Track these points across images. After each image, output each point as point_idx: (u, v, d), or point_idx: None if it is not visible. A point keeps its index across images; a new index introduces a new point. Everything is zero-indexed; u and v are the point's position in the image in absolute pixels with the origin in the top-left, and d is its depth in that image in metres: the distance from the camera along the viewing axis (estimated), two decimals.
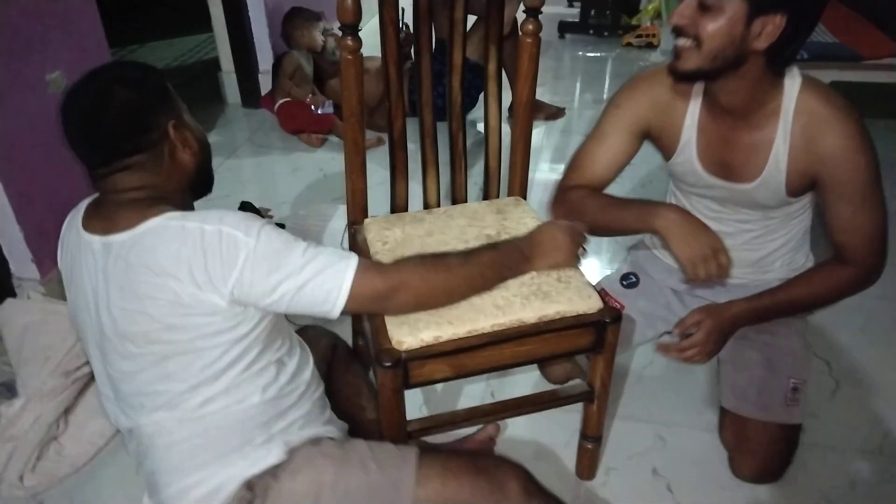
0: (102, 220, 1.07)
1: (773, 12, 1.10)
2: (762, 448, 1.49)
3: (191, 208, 1.13)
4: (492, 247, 1.29)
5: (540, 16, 1.45)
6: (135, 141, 1.05)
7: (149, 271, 1.00)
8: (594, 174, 1.46)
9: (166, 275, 1.00)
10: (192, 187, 1.15)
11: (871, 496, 1.53)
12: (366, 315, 1.29)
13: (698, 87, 1.34)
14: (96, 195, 1.12)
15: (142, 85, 1.06)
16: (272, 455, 1.09)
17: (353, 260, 1.08)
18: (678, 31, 1.18)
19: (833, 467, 1.60)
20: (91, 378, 1.65)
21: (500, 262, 1.25)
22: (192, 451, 1.08)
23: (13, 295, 1.98)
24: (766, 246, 1.49)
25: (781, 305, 1.41)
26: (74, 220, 1.12)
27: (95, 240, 1.05)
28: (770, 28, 1.12)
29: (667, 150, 1.43)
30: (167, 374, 1.06)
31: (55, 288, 2.03)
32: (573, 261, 1.33)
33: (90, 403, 1.64)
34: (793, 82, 1.25)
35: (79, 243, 1.09)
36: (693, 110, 1.36)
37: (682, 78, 1.23)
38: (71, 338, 1.65)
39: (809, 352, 1.54)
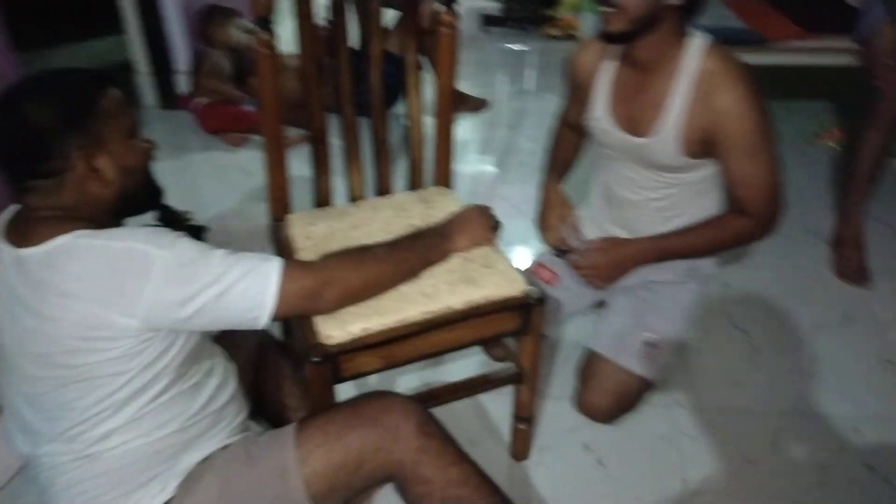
0: (18, 232, 1.01)
1: None
2: (604, 387, 1.59)
3: (116, 225, 1.06)
4: (413, 234, 1.31)
5: (463, 9, 1.46)
6: (33, 167, 0.98)
7: (54, 290, 0.95)
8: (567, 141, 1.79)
9: (72, 296, 0.95)
10: (114, 211, 1.06)
11: (791, 456, 1.61)
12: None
13: (614, 47, 1.45)
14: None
15: (54, 105, 0.97)
16: (170, 488, 1.06)
17: (275, 261, 1.06)
18: (601, 1, 1.30)
19: (754, 430, 1.67)
20: None
21: (422, 246, 1.27)
22: (94, 492, 1.04)
23: None
24: (673, 221, 1.56)
25: (683, 247, 1.54)
26: None
27: (8, 251, 0.99)
28: None
29: (585, 107, 1.55)
30: (65, 401, 1.00)
31: None
32: (490, 234, 1.38)
33: None
34: (698, 43, 1.37)
35: None
36: (608, 67, 1.50)
37: (610, 40, 1.37)
38: None
39: (684, 315, 1.64)
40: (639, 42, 1.36)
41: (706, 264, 1.66)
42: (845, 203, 2.29)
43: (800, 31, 2.58)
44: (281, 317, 1.08)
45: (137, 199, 1.10)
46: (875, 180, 2.23)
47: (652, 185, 1.54)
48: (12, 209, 1.06)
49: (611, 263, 1.55)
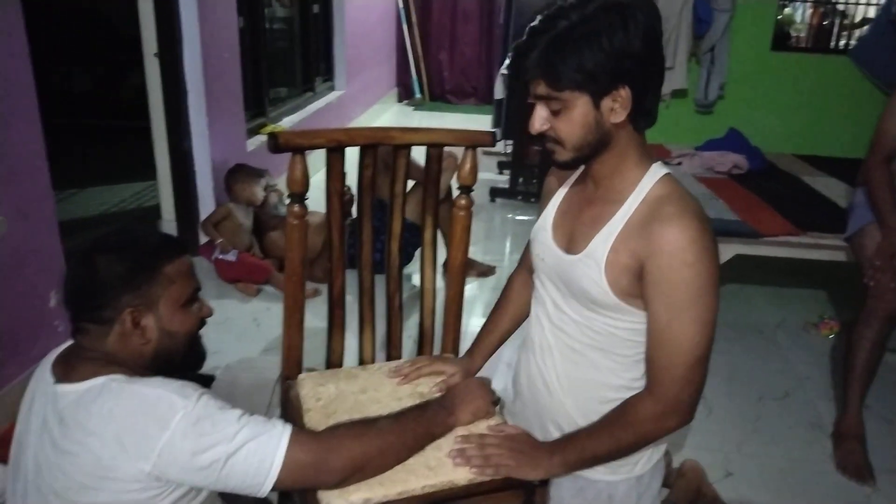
0: (64, 366, 1.09)
1: (614, 89, 1.11)
2: None
3: (151, 376, 1.11)
4: (417, 407, 1.33)
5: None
6: (86, 311, 1.09)
7: (79, 429, 1.00)
8: None
9: (93, 434, 0.99)
10: (150, 366, 1.14)
11: None
12: None
13: None
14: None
15: (117, 262, 1.08)
16: None
17: (285, 428, 1.09)
18: (542, 137, 1.20)
19: None
20: None
21: (427, 420, 1.29)
22: None
23: None
24: (588, 372, 1.29)
25: (588, 456, 1.24)
26: (50, 356, 1.14)
27: (52, 384, 1.06)
28: (619, 101, 1.12)
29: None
30: None
31: None
32: (490, 407, 1.39)
33: None
34: (657, 171, 1.21)
35: (43, 380, 1.10)
36: (568, 183, 1.36)
37: (563, 168, 1.24)
38: None
39: None
40: (595, 162, 1.21)
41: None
42: (845, 397, 2.31)
43: (792, 227, 2.73)
44: (284, 486, 1.09)
45: (174, 361, 1.17)
46: (873, 374, 2.27)
47: (574, 325, 1.28)
48: (67, 345, 1.15)
49: (517, 455, 1.26)
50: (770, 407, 2.54)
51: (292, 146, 1.36)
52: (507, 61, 4.80)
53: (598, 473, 1.32)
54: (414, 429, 1.26)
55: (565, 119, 1.15)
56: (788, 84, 4.39)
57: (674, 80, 4.21)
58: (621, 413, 1.22)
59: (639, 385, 1.24)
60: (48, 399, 1.06)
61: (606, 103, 1.13)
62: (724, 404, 2.54)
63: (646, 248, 1.13)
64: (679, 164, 3.55)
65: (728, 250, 2.74)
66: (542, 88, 1.13)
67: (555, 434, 1.34)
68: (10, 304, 2.12)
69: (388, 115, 7.73)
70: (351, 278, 1.58)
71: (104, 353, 1.09)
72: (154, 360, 1.13)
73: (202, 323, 1.21)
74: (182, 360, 1.19)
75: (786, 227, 2.74)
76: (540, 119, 1.17)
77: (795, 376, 2.76)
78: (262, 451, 1.04)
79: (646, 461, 1.33)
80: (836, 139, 4.29)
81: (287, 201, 1.45)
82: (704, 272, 1.11)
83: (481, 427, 1.36)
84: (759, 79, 4.39)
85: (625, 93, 1.11)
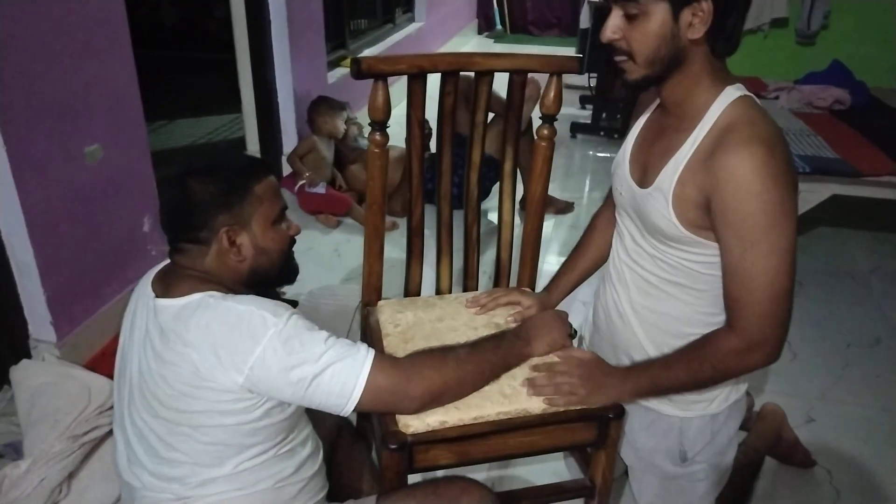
0: (163, 283, 1.15)
1: (696, 1, 1.05)
2: None
3: (246, 294, 1.16)
4: (493, 337, 1.34)
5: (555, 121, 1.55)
6: (184, 232, 1.15)
7: (178, 340, 1.06)
8: None
9: (191, 345, 1.05)
10: (246, 282, 1.19)
11: None
12: None
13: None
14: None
15: (214, 185, 1.13)
16: None
17: (369, 353, 1.12)
18: (612, 49, 1.14)
19: None
20: (98, 443, 1.67)
21: (503, 350, 1.30)
22: None
23: (28, 356, 2.02)
24: (664, 306, 1.27)
25: (663, 385, 1.22)
26: (150, 274, 1.20)
27: (152, 299, 1.13)
28: (700, 16, 1.06)
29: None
30: (172, 444, 1.10)
31: (69, 352, 2.07)
32: (566, 339, 1.38)
33: (94, 469, 1.65)
34: (731, 92, 1.13)
35: (143, 295, 1.16)
36: (645, 116, 1.31)
37: (632, 88, 1.17)
38: (81, 402, 1.68)
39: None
40: (667, 84, 1.15)
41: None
42: None
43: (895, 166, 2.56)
44: (365, 408, 1.13)
45: (269, 276, 1.22)
46: None
47: (650, 260, 1.25)
48: (165, 263, 1.21)
49: (587, 382, 1.26)
50: (858, 354, 2.44)
51: (375, 72, 1.35)
52: None
53: (671, 408, 1.31)
54: (490, 359, 1.27)
55: (640, 28, 1.08)
56: None
57: (774, 7, 3.95)
58: (701, 346, 1.17)
59: (717, 321, 1.21)
60: (149, 312, 1.12)
61: (686, 15, 1.06)
62: (811, 349, 2.45)
63: (711, 181, 1.08)
64: (776, 98, 3.36)
65: (824, 190, 2.60)
66: None
67: None
68: (108, 228, 2.24)
69: (469, 47, 7.57)
70: (428, 213, 1.59)
71: (202, 272, 1.14)
72: (250, 277, 1.18)
73: (293, 241, 1.25)
74: (277, 276, 1.24)
75: (889, 167, 2.56)
76: (613, 26, 1.11)
77: (888, 324, 2.63)
78: (346, 373, 1.08)
79: (722, 399, 1.30)
80: None
81: (367, 133, 1.45)
82: (775, 201, 1.04)
83: (556, 358, 1.36)
84: (866, 7, 4.05)
85: (707, 6, 1.05)
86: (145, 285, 1.18)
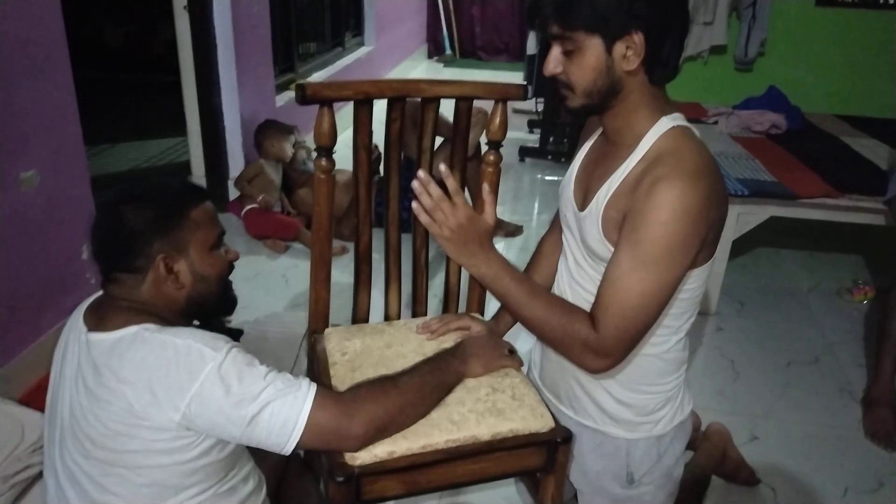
0: (95, 316, 1.10)
1: (626, 34, 1.08)
2: None
3: (183, 325, 1.13)
4: (430, 360, 1.32)
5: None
6: (118, 261, 1.10)
7: (112, 376, 1.02)
8: None
9: (126, 381, 1.01)
10: (184, 312, 1.15)
11: None
12: None
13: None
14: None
15: (144, 210, 1.09)
16: None
17: (312, 389, 1.08)
18: (554, 80, 1.18)
19: None
20: (30, 484, 1.60)
21: (441, 370, 1.29)
22: None
23: None
24: None
25: (521, 301, 1.22)
26: (82, 307, 1.15)
27: (84, 332, 1.08)
28: (633, 48, 1.09)
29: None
30: (105, 486, 1.05)
31: (2, 385, 1.98)
32: (502, 360, 1.39)
33: None
34: (664, 124, 1.15)
35: (75, 329, 1.12)
36: (590, 141, 1.34)
37: (574, 115, 1.22)
38: (13, 440, 1.61)
39: None
40: (607, 113, 1.18)
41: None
42: (877, 363, 2.27)
43: (830, 189, 2.65)
44: (306, 447, 1.10)
45: (207, 305, 1.18)
46: None
47: (591, 281, 1.26)
48: (97, 295, 1.16)
49: (458, 236, 1.23)
50: (799, 372, 2.51)
51: (320, 97, 1.35)
52: None
53: (617, 430, 1.32)
54: (430, 381, 1.26)
55: (577, 62, 1.12)
56: (832, 41, 4.21)
57: (713, 35, 4.08)
58: (569, 311, 1.19)
59: (657, 341, 1.24)
60: (81, 347, 1.08)
61: (619, 49, 1.09)
62: (753, 368, 2.51)
63: (629, 204, 1.12)
64: (715, 122, 3.46)
65: (763, 212, 2.68)
66: (555, 27, 1.11)
67: (577, 391, 1.34)
68: (44, 257, 2.16)
69: (418, 71, 7.64)
70: (377, 237, 1.58)
71: (137, 302, 1.10)
72: (188, 306, 1.14)
73: (231, 267, 1.22)
74: (216, 304, 1.20)
75: (824, 189, 2.66)
76: (554, 60, 1.15)
77: (826, 342, 2.71)
78: (286, 412, 1.05)
79: (667, 421, 1.32)
80: (879, 99, 4.13)
81: (315, 157, 1.44)
82: (677, 234, 1.07)
83: (509, 383, 1.36)
84: (801, 35, 4.23)
85: (638, 38, 1.08)
86: (77, 318, 1.13)
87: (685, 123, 1.17)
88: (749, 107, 3.59)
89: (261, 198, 3.25)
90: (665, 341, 1.25)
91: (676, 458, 1.37)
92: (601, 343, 1.13)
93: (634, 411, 1.30)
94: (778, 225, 2.82)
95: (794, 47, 4.26)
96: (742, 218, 2.69)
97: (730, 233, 2.70)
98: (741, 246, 3.09)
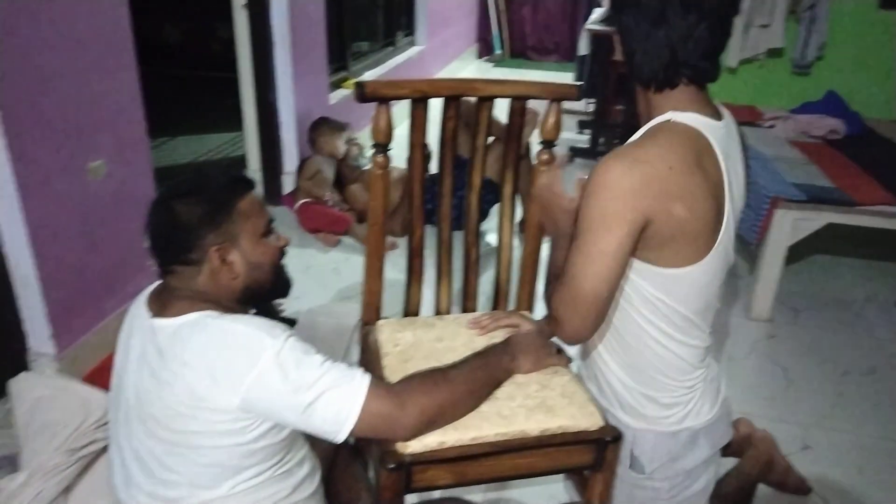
0: (158, 302, 1.15)
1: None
2: None
3: (240, 312, 1.17)
4: (479, 354, 1.33)
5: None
6: (174, 255, 1.14)
7: (175, 360, 1.06)
8: None
9: (188, 365, 1.05)
10: (240, 299, 1.19)
11: None
12: None
13: None
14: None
15: (194, 206, 1.12)
16: None
17: (366, 379, 1.11)
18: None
19: None
20: (95, 458, 1.67)
21: (491, 365, 1.31)
22: None
23: (27, 369, 2.02)
24: (619, 321, 1.26)
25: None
26: (144, 293, 1.20)
27: (148, 319, 1.13)
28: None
29: None
30: (168, 465, 1.10)
31: (68, 365, 2.07)
32: (551, 358, 1.40)
33: (91, 484, 1.64)
34: (657, 119, 1.14)
35: (138, 316, 1.16)
36: None
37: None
38: (79, 416, 1.68)
39: None
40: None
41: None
42: None
43: (890, 196, 2.58)
44: (358, 436, 1.13)
45: (263, 291, 1.22)
46: None
47: None
48: (157, 283, 1.21)
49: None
50: (855, 382, 2.45)
51: (378, 96, 1.38)
52: (593, 16, 4.67)
53: (623, 415, 1.30)
54: (480, 377, 1.27)
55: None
56: (894, 45, 4.09)
57: (770, 38, 3.99)
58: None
59: (650, 342, 1.21)
60: (146, 333, 1.12)
61: (615, 40, 1.15)
62: (806, 377, 2.46)
63: None
64: (771, 126, 3.40)
65: (819, 218, 2.62)
66: None
67: (605, 388, 1.33)
68: (108, 244, 2.26)
69: (468, 71, 7.65)
70: (427, 234, 1.60)
71: (195, 292, 1.14)
72: (244, 293, 1.18)
73: (282, 252, 1.25)
74: (271, 290, 1.24)
75: (883, 196, 2.60)
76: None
77: (883, 353, 2.64)
78: (341, 401, 1.08)
79: (675, 422, 1.27)
80: None
81: (369, 154, 1.47)
82: (596, 207, 1.08)
83: (560, 381, 1.37)
84: (862, 39, 4.10)
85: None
86: (139, 306, 1.18)
87: (678, 121, 1.12)
88: (806, 111, 3.53)
89: (328, 195, 3.33)
90: (659, 344, 1.22)
91: (696, 464, 1.32)
92: (554, 312, 1.16)
93: (637, 398, 1.28)
94: (835, 232, 2.76)
95: (854, 51, 4.13)
96: (798, 224, 2.64)
97: (785, 238, 2.65)
98: (797, 253, 3.03)
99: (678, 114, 1.13)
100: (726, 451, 1.40)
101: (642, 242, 1.11)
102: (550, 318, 1.19)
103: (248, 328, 1.07)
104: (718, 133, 1.15)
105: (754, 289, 2.81)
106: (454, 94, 1.49)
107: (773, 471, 1.88)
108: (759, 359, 2.58)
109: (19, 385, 1.79)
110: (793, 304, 2.95)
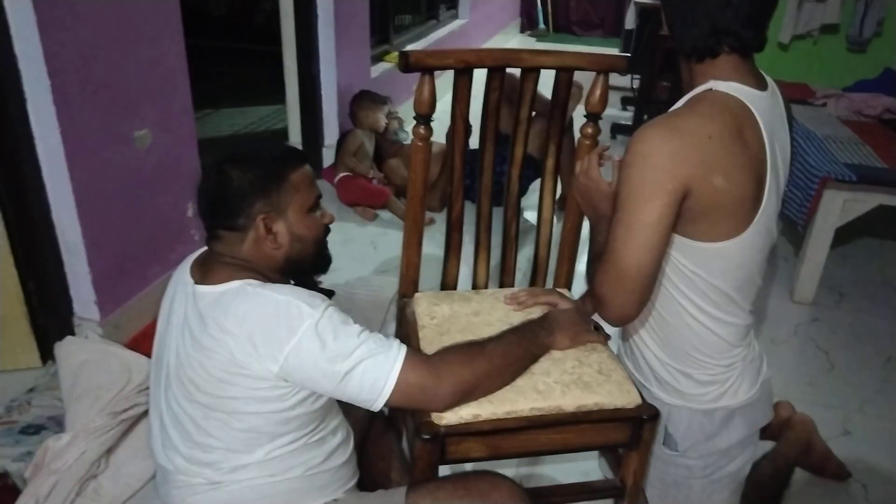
0: (201, 270, 1.17)
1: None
2: None
3: (282, 282, 1.18)
4: (517, 329, 1.32)
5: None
6: (222, 219, 1.16)
7: (216, 326, 1.08)
8: None
9: (229, 332, 1.07)
10: (281, 270, 1.20)
11: None
12: None
13: None
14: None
15: (247, 172, 1.14)
16: None
17: (402, 350, 1.12)
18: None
19: None
20: (136, 421, 1.72)
21: (528, 340, 1.30)
22: None
23: (72, 333, 2.08)
24: (660, 302, 1.25)
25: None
26: (188, 261, 1.22)
27: (191, 285, 1.15)
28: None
29: None
30: (207, 429, 1.13)
31: (112, 331, 2.13)
32: (589, 335, 1.38)
33: (132, 446, 1.70)
34: (697, 90, 1.13)
35: (182, 282, 1.19)
36: None
37: None
38: (122, 380, 1.73)
39: None
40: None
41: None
42: None
43: None
44: (394, 405, 1.14)
45: (304, 265, 1.23)
46: None
47: None
48: (202, 251, 1.23)
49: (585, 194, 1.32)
50: None
51: (422, 65, 1.36)
52: None
53: (658, 390, 1.30)
54: (517, 351, 1.27)
55: None
56: None
57: (825, 13, 3.85)
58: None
59: (688, 319, 1.20)
60: (188, 299, 1.15)
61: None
62: (849, 361, 2.41)
63: None
64: (823, 104, 3.29)
65: (871, 199, 2.54)
66: None
67: (641, 364, 1.33)
68: (152, 212, 2.30)
69: (511, 45, 7.54)
70: (466, 209, 1.59)
71: (239, 259, 1.16)
72: (285, 265, 1.20)
73: (327, 229, 1.26)
74: (311, 264, 1.25)
75: None
76: None
77: None
78: (378, 370, 1.09)
79: (711, 399, 1.26)
80: None
81: (409, 127, 1.46)
82: (635, 177, 1.06)
83: (597, 358, 1.36)
84: None
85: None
86: (183, 272, 1.20)
87: (720, 91, 1.10)
88: (861, 89, 3.40)
89: (373, 174, 3.35)
90: (696, 321, 1.20)
91: (731, 444, 1.30)
92: (597, 291, 1.14)
93: (673, 373, 1.27)
94: (886, 215, 2.67)
95: None
96: (847, 205, 2.56)
97: (833, 220, 2.58)
98: (844, 235, 2.95)
99: (720, 83, 1.11)
100: (764, 433, 1.38)
101: (680, 215, 1.09)
102: (594, 299, 1.17)
103: (288, 297, 1.09)
104: (762, 104, 1.12)
105: (799, 271, 2.75)
106: (499, 64, 1.47)
107: (811, 454, 1.85)
108: (801, 342, 2.53)
109: (64, 349, 1.85)
110: (838, 287, 2.88)
